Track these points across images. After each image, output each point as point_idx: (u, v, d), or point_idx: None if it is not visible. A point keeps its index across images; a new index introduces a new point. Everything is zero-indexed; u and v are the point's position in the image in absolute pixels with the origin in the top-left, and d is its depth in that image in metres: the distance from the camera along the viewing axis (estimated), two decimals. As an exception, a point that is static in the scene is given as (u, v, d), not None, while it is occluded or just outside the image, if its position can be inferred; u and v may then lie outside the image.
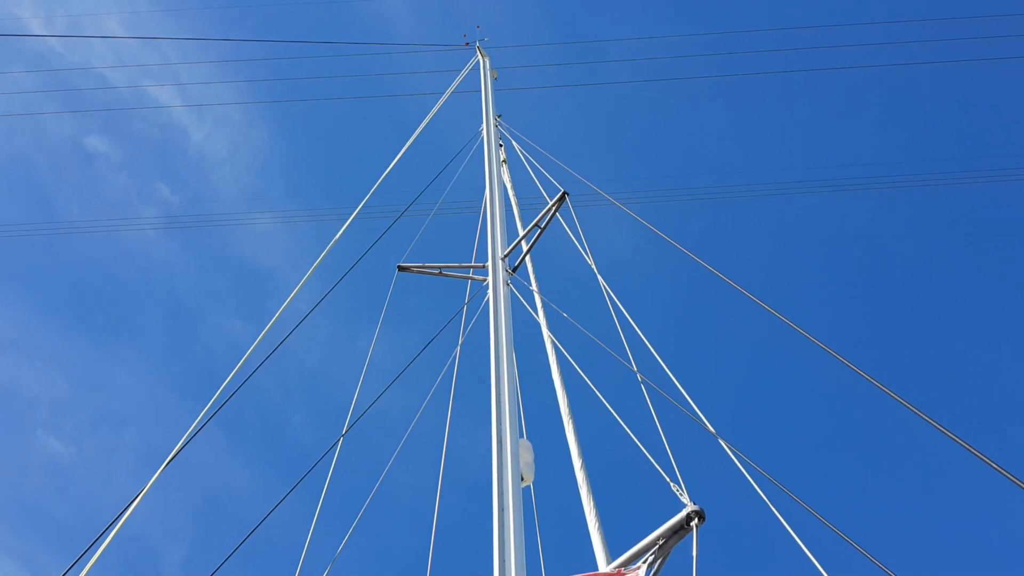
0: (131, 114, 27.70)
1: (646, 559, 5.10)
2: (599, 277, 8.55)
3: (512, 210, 10.82)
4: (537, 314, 8.82)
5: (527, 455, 7.04)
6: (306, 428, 23.31)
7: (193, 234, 27.32)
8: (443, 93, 12.59)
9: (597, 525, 6.37)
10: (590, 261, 8.79)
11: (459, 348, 8.73)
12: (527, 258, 9.37)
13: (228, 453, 23.22)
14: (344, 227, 8.54)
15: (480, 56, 13.45)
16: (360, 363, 8.21)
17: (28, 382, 24.96)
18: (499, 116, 12.07)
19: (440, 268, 9.40)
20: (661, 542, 5.07)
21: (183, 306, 26.75)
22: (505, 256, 9.01)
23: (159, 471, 5.68)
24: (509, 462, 6.38)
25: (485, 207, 9.97)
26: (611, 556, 5.92)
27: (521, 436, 7.02)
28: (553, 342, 8.52)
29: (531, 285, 9.14)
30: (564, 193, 9.14)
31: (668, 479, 5.72)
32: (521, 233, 9.57)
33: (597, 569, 5.75)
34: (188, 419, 6.17)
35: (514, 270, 8.99)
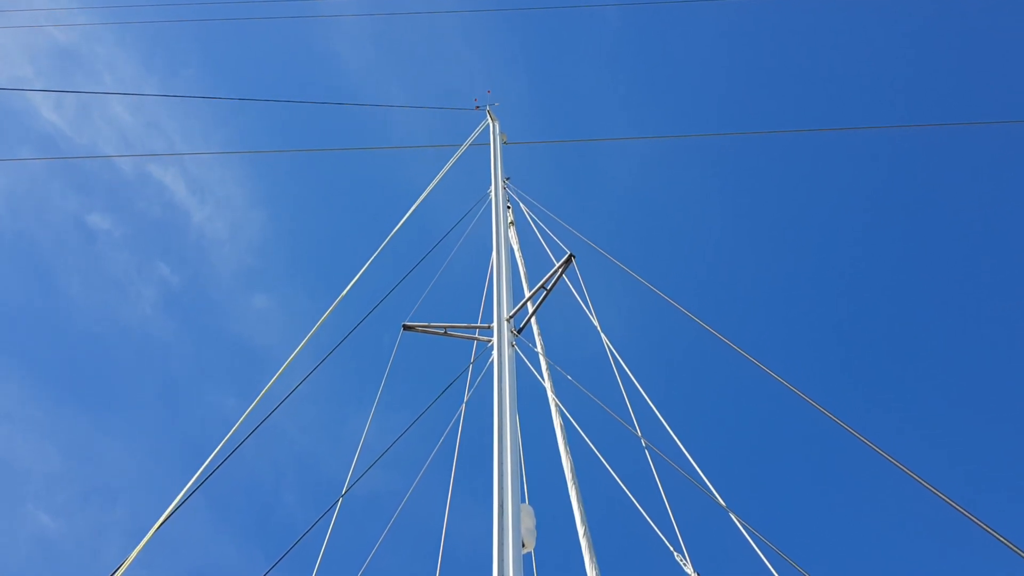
0: (134, 193, 28.37)
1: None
2: (605, 340, 8.52)
3: (519, 271, 10.84)
4: (542, 376, 8.75)
5: (529, 520, 6.90)
6: (297, 507, 23.15)
7: (191, 313, 27.73)
8: (452, 156, 12.73)
9: (599, 594, 6.21)
10: (596, 323, 8.77)
11: (464, 406, 8.65)
12: (533, 319, 9.33)
13: (216, 531, 22.99)
14: (349, 287, 8.53)
15: (490, 120, 13.64)
16: (352, 444, 8.08)
17: (21, 455, 24.94)
18: (507, 178, 12.18)
19: (445, 328, 9.37)
20: (664, 614, 4.93)
21: (178, 383, 26.95)
22: (510, 317, 8.98)
23: (141, 544, 5.57)
24: (510, 528, 6.24)
25: (492, 268, 9.99)
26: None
27: (523, 501, 6.90)
28: (558, 405, 8.44)
29: (536, 347, 9.10)
30: (570, 255, 9.15)
31: (672, 548, 5.59)
32: (527, 294, 9.56)
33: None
34: (178, 495, 6.07)
35: (519, 331, 8.95)
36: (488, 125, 13.58)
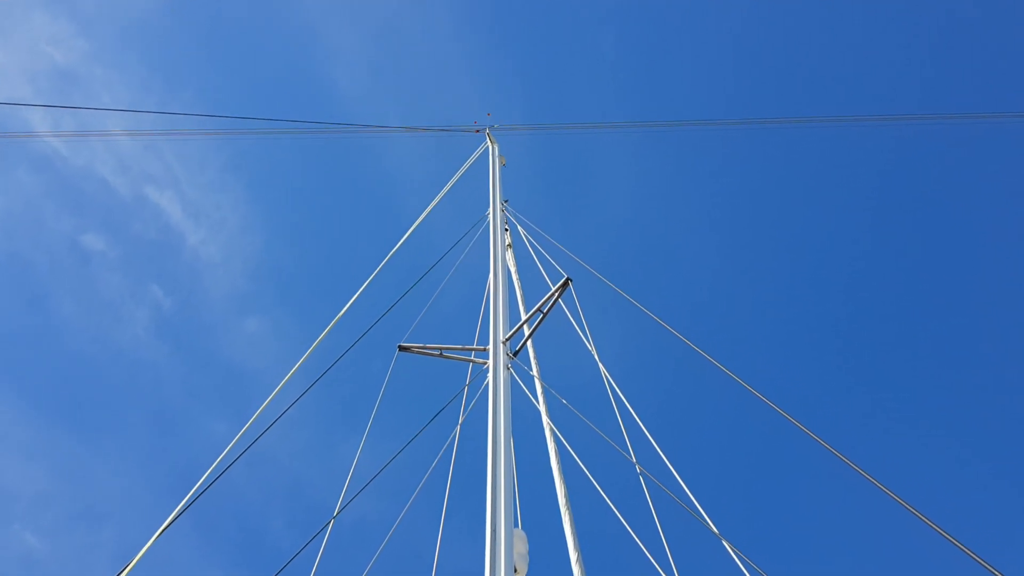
0: (130, 215, 28.51)
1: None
2: (600, 366, 8.50)
3: (515, 294, 10.83)
4: (537, 400, 8.72)
5: (521, 546, 6.85)
6: (285, 532, 23.04)
7: (183, 336, 27.76)
8: (451, 178, 12.79)
9: (591, 622, 6.15)
10: (591, 348, 8.75)
11: (458, 429, 8.60)
12: (529, 343, 9.32)
13: (203, 555, 22.85)
14: (345, 308, 8.51)
15: (489, 142, 13.70)
16: (344, 469, 7.98)
17: (9, 475, 24.84)
18: (506, 201, 12.21)
19: (440, 350, 9.34)
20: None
21: (168, 405, 26.91)
22: (507, 340, 8.96)
23: (131, 564, 5.52)
24: (503, 553, 6.19)
25: (489, 290, 9.98)
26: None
27: (516, 526, 6.85)
28: (552, 430, 8.41)
29: (532, 370, 9.07)
30: (567, 279, 9.15)
31: (664, 575, 5.54)
32: (523, 317, 9.55)
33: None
34: (166, 519, 6.02)
35: (515, 354, 8.92)
36: (488, 147, 13.63)
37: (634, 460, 7.21)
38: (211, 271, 29.58)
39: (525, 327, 9.25)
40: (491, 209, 11.70)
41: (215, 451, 6.68)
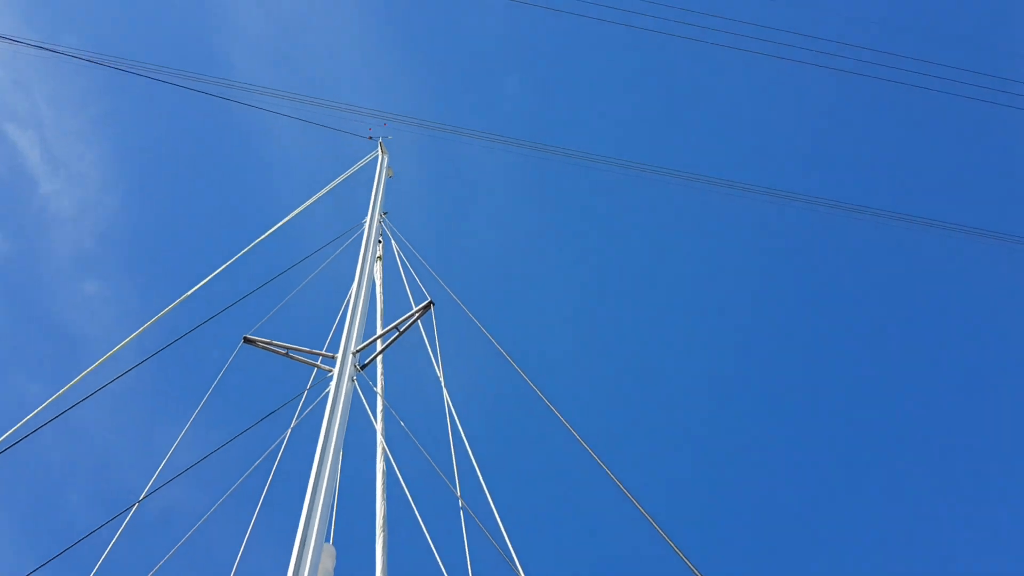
0: None
1: None
2: (445, 394, 8.50)
3: (376, 307, 10.73)
4: (375, 417, 8.63)
5: (328, 562, 6.73)
6: (81, 509, 21.56)
7: (13, 286, 25.83)
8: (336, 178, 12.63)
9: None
10: (440, 375, 8.75)
11: (288, 432, 8.38)
12: (379, 359, 9.23)
13: None
14: (193, 289, 8.19)
15: (380, 151, 13.61)
16: (160, 455, 7.61)
17: None
18: (385, 213, 12.13)
19: (288, 349, 9.10)
20: None
21: None
22: (357, 352, 8.84)
23: None
24: (308, 565, 6.07)
25: (349, 298, 9.85)
26: None
27: (327, 540, 6.72)
28: (384, 449, 8.33)
29: (376, 386, 8.98)
30: (430, 302, 9.15)
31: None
32: (379, 332, 9.46)
33: None
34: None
35: (363, 367, 8.81)
36: (377, 156, 13.54)
37: (458, 493, 7.23)
38: (59, 224, 27.69)
39: (379, 342, 9.16)
40: (368, 217, 11.60)
41: (23, 412, 6.26)
